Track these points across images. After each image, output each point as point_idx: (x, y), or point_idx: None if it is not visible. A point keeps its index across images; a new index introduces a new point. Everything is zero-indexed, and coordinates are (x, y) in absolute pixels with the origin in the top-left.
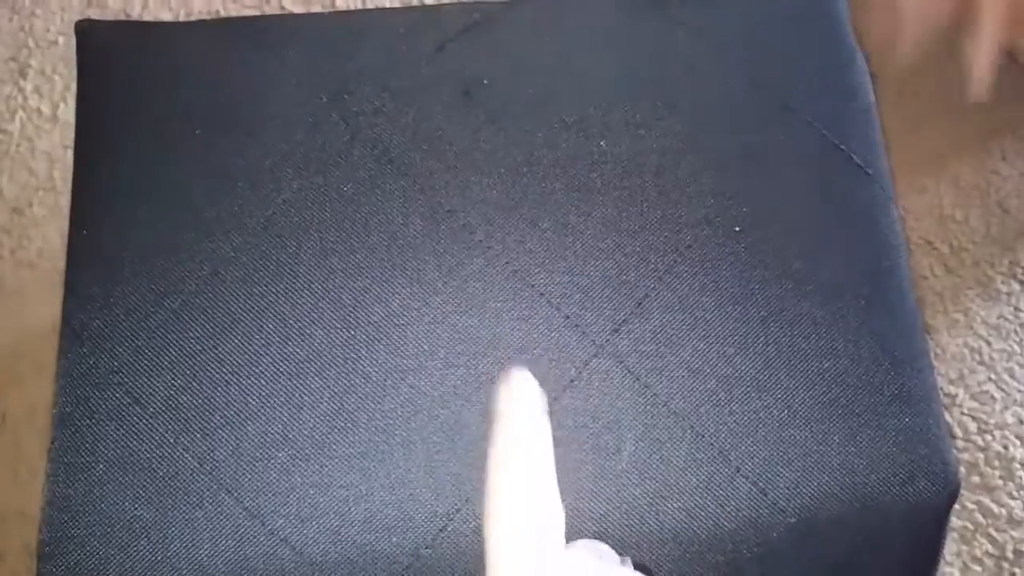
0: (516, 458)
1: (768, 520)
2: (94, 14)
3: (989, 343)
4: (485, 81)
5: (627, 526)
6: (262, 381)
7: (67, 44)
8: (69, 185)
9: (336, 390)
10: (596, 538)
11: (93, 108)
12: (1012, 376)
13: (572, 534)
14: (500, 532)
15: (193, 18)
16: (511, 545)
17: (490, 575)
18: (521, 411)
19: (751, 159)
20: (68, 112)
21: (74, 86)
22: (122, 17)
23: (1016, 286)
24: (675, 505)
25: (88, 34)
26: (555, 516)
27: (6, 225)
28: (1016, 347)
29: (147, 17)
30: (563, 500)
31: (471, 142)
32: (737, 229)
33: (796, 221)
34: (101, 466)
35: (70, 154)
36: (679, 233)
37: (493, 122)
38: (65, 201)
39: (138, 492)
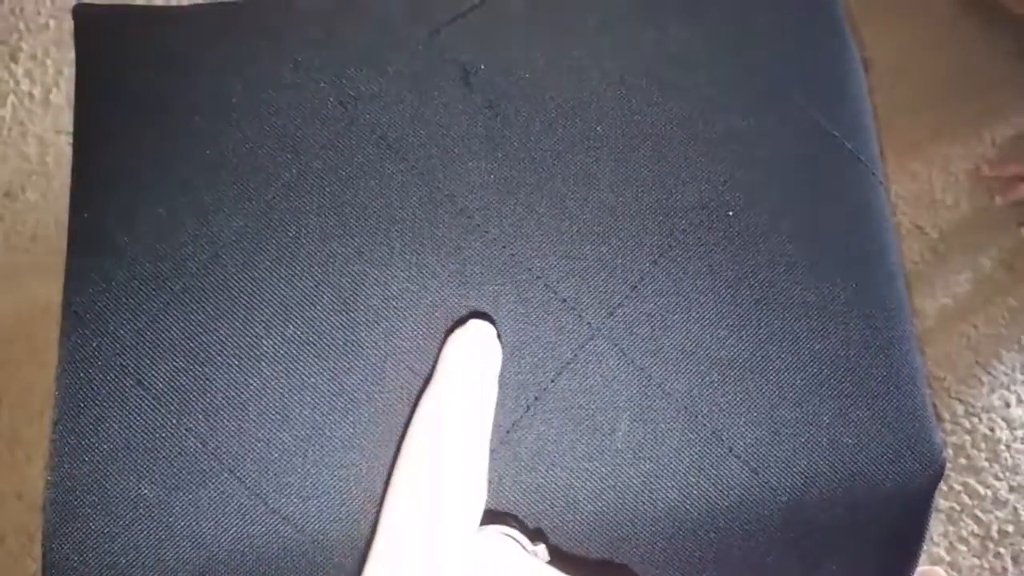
0: (450, 424)
1: (759, 499)
2: None
3: (977, 328)
4: (482, 66)
5: (621, 505)
6: (263, 363)
7: (59, 28)
8: (62, 170)
9: (336, 372)
10: (591, 519)
11: (91, 92)
12: (999, 360)
13: (567, 513)
14: (398, 506)
15: (189, 1)
16: (403, 523)
17: (374, 550)
18: (473, 370)
19: (743, 144)
20: (60, 96)
21: (66, 70)
22: (118, 0)
23: (1004, 272)
24: (669, 484)
25: (85, 18)
26: (472, 496)
27: (0, 210)
28: (1003, 331)
29: (143, 0)
30: (559, 477)
31: (469, 127)
32: (730, 214)
33: (788, 206)
34: (104, 446)
35: (63, 139)
36: (673, 218)
37: (491, 107)
38: (58, 186)
39: (141, 472)
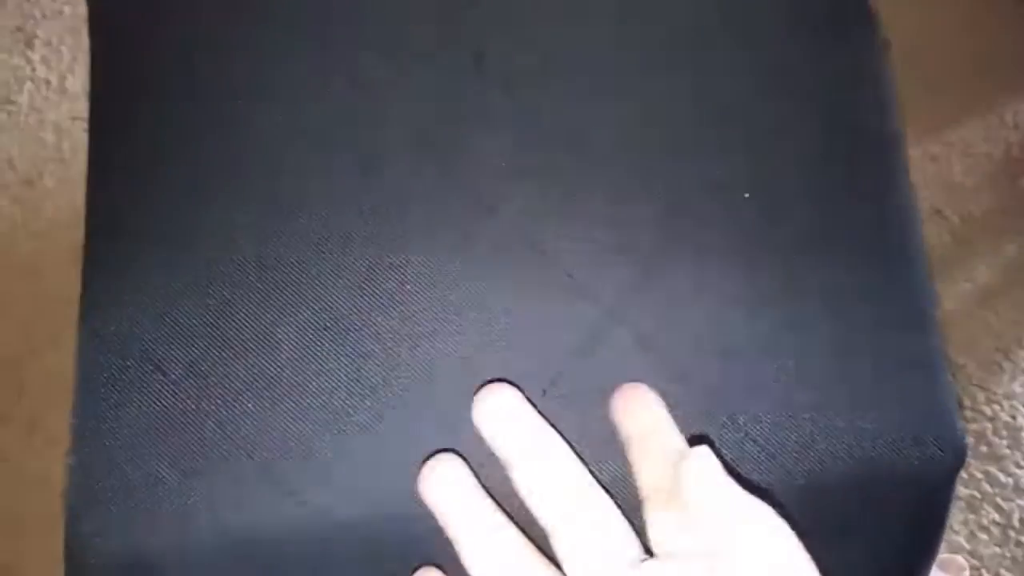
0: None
1: (776, 483)
2: None
3: (998, 314)
4: (493, 47)
5: (637, 491)
6: (280, 348)
7: (73, 14)
8: (79, 156)
9: (353, 356)
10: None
11: (106, 76)
12: (1020, 346)
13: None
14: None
15: None
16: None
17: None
18: (657, 429)
19: (758, 124)
20: (76, 83)
21: (81, 57)
22: None
23: None
24: None
25: (98, 3)
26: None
27: (18, 197)
28: None
29: None
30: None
31: (481, 109)
32: (747, 195)
33: (805, 186)
34: (124, 431)
35: (78, 125)
36: (688, 198)
37: (502, 88)
38: (75, 173)
39: (160, 456)
